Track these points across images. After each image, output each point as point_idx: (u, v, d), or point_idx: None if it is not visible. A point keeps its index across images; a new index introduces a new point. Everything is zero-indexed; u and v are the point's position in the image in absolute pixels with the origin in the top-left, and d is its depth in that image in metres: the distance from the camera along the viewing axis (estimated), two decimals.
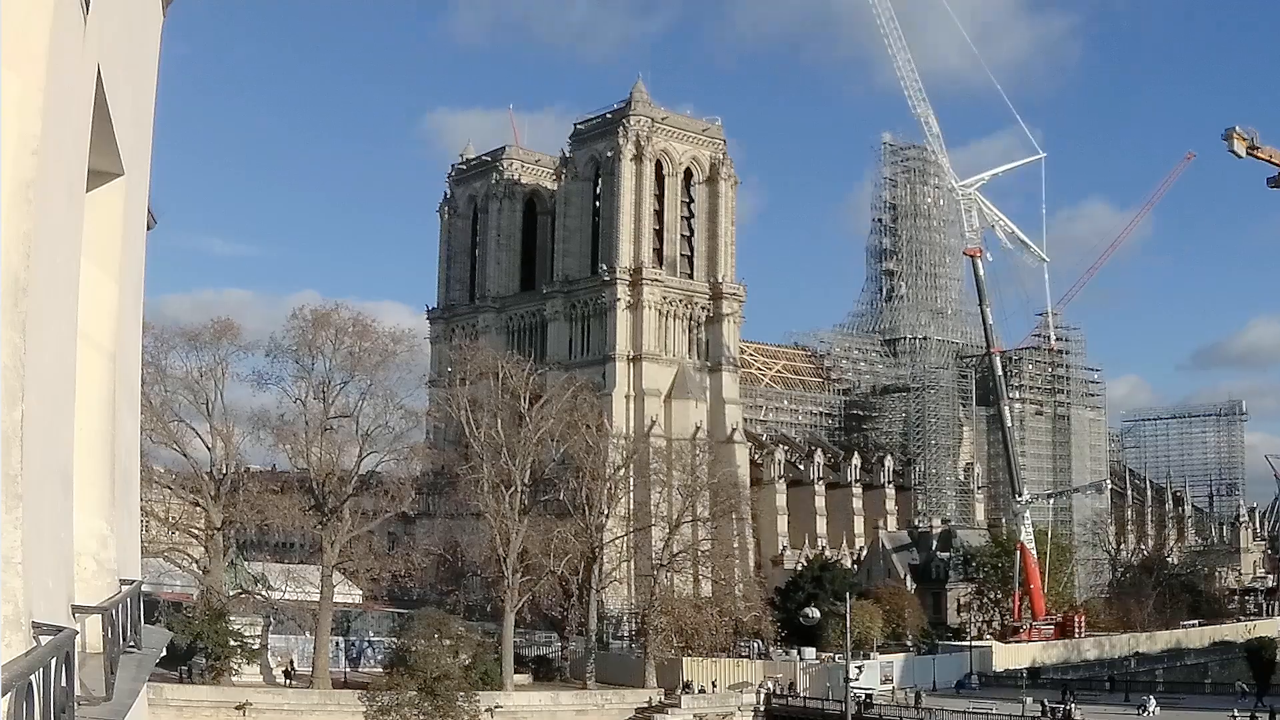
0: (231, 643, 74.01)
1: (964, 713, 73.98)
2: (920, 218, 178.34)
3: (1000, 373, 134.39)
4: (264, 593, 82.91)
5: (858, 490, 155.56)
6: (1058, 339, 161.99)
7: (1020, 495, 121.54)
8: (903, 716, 76.01)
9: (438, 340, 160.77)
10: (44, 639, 5.18)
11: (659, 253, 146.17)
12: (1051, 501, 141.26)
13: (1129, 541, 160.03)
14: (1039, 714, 74.02)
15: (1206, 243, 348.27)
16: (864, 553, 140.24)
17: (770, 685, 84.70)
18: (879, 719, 76.26)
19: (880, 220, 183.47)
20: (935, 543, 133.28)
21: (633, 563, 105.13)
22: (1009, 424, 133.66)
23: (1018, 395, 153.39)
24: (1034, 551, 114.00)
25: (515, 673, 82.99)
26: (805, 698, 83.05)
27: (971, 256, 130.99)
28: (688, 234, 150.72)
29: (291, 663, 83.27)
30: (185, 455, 76.97)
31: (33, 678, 4.61)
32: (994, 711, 74.31)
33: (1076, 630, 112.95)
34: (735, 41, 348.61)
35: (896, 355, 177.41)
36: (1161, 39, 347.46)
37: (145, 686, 8.88)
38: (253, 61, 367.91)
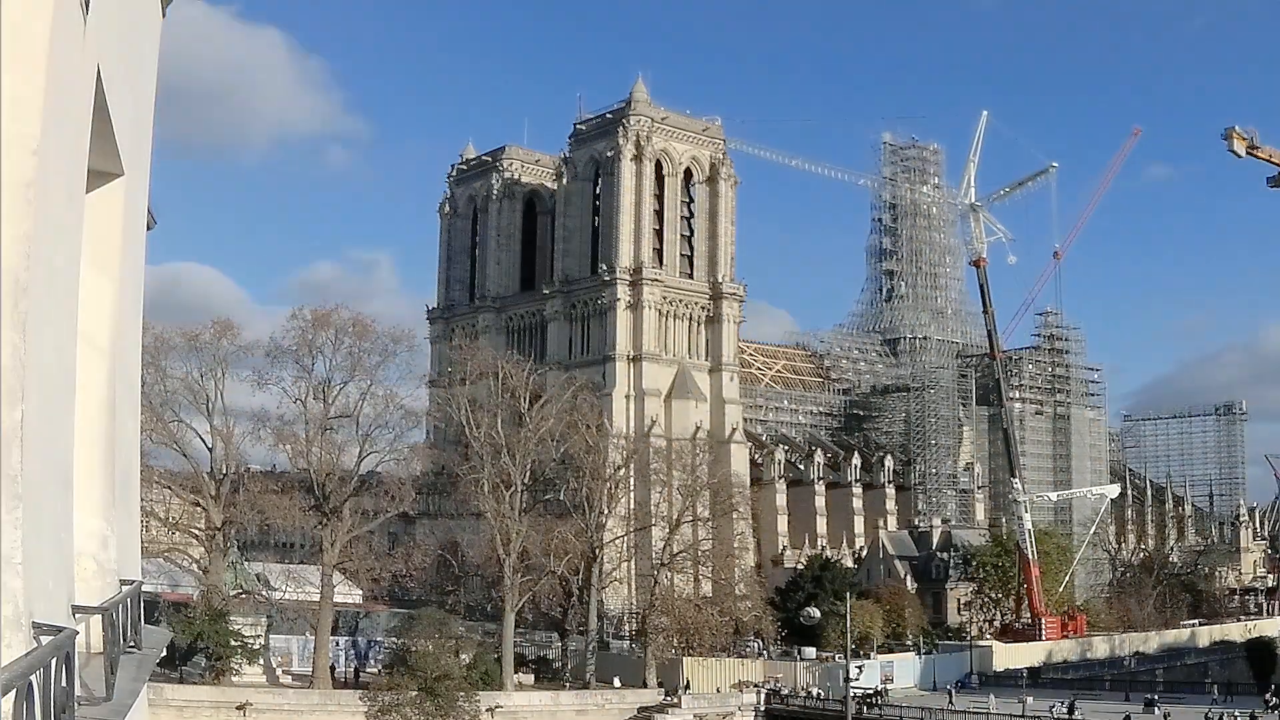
0: (232, 643, 73.97)
1: (964, 712, 74.08)
2: (920, 217, 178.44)
3: (999, 377, 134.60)
4: (264, 593, 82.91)
5: (858, 490, 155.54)
6: (1057, 338, 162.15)
7: (1019, 494, 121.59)
8: (904, 716, 76.07)
9: (438, 340, 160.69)
10: (44, 639, 5.18)
11: (659, 253, 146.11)
12: (1055, 500, 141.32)
13: (1129, 541, 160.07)
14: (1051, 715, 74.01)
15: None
16: (864, 553, 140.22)
17: (770, 685, 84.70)
18: (879, 719, 76.31)
19: (880, 220, 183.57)
20: (935, 543, 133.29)
21: (633, 563, 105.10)
22: (1011, 426, 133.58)
23: (1018, 395, 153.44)
24: (1030, 552, 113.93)
25: (515, 672, 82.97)
26: (805, 698, 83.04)
27: (977, 265, 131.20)
28: (688, 234, 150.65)
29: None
30: (185, 455, 76.95)
31: (33, 678, 4.61)
32: (994, 711, 74.39)
33: (1076, 631, 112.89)
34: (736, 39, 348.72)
35: (896, 355, 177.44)
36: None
37: (145, 686, 8.88)
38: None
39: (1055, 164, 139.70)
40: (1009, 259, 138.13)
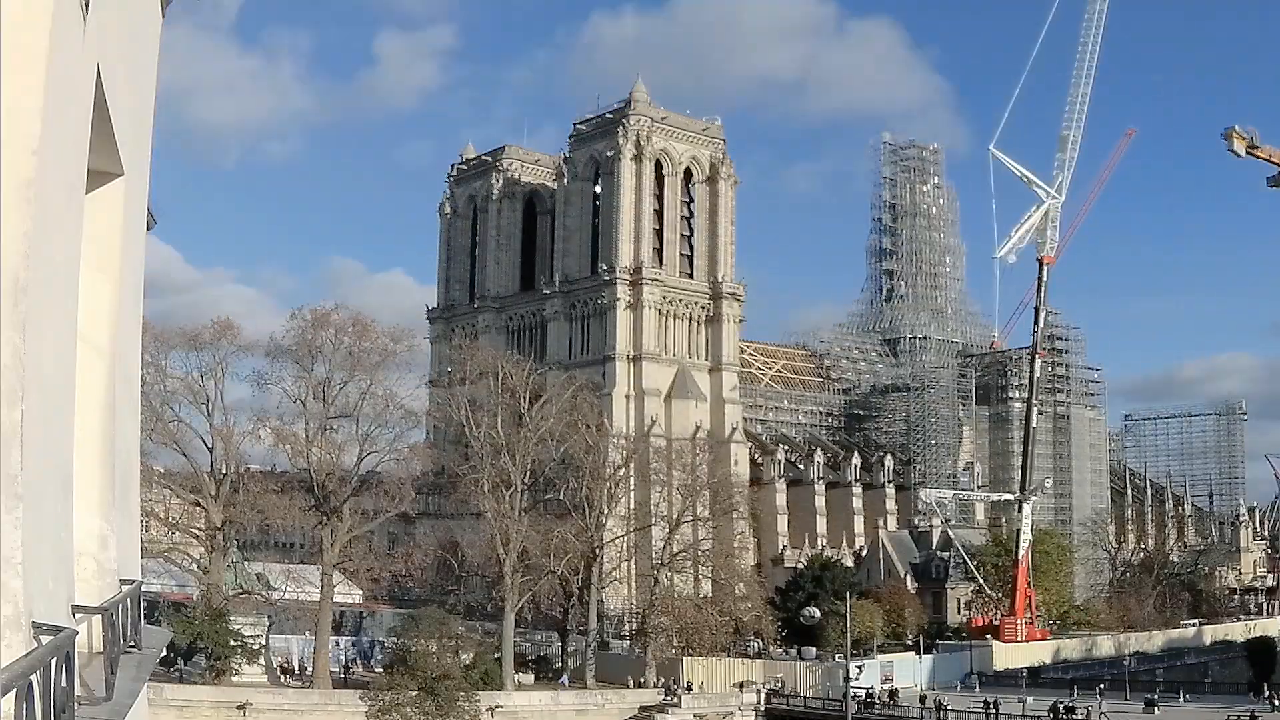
0: (232, 643, 73.99)
1: (964, 711, 74.12)
2: (920, 217, 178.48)
3: (1036, 376, 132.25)
4: (264, 593, 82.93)
5: (858, 490, 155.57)
6: (1057, 338, 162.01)
7: (1021, 494, 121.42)
8: (904, 716, 76.16)
9: (438, 340, 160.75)
10: (44, 639, 5.18)
11: (659, 253, 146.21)
12: (1053, 500, 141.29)
13: (1129, 541, 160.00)
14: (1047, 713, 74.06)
15: None
16: (864, 552, 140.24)
17: (770, 685, 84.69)
18: (879, 719, 76.38)
19: (880, 220, 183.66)
20: (935, 543, 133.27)
21: (633, 562, 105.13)
22: (1033, 425, 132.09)
23: (1018, 395, 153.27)
24: (1018, 552, 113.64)
25: (515, 672, 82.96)
26: (805, 698, 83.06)
27: (1043, 263, 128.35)
28: (688, 234, 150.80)
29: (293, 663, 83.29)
30: (185, 455, 76.94)
31: (33, 678, 4.61)
32: (994, 711, 74.42)
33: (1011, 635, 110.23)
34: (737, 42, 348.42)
35: (896, 355, 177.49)
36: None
37: (145, 686, 8.88)
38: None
39: (1051, 202, 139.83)
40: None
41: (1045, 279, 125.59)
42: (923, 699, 79.43)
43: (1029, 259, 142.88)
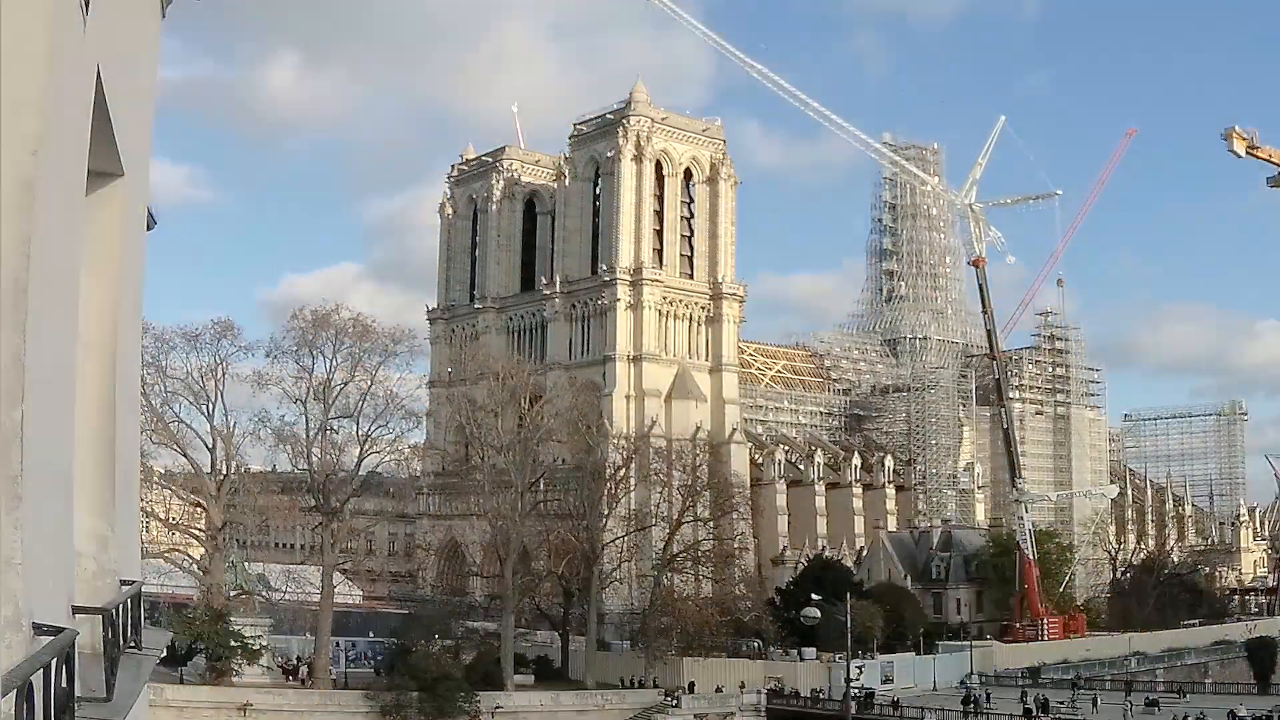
0: (232, 643, 73.99)
1: (964, 712, 74.22)
2: (920, 218, 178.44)
3: (999, 377, 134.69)
4: (265, 593, 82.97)
5: (858, 490, 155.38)
6: (1057, 338, 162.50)
7: (1020, 495, 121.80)
8: (904, 715, 76.22)
9: (438, 340, 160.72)
10: (44, 640, 5.18)
11: (659, 253, 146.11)
12: (1054, 500, 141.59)
13: (1129, 541, 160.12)
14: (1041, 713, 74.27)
15: None
16: (864, 553, 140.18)
17: (770, 685, 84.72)
18: (879, 719, 76.45)
19: (880, 220, 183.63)
20: (935, 543, 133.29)
21: (633, 563, 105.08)
22: (1011, 426, 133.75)
23: (1018, 395, 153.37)
24: (1030, 552, 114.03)
25: (516, 673, 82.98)
26: (805, 698, 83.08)
27: (976, 265, 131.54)
28: (688, 234, 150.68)
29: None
30: (185, 455, 76.95)
31: (34, 678, 4.61)
32: (994, 710, 74.57)
33: (1077, 631, 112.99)
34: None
35: (897, 355, 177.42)
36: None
37: (145, 687, 8.87)
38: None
39: (1059, 191, 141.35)
40: (1008, 259, 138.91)
41: (982, 281, 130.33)
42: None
43: (1028, 260, 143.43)
